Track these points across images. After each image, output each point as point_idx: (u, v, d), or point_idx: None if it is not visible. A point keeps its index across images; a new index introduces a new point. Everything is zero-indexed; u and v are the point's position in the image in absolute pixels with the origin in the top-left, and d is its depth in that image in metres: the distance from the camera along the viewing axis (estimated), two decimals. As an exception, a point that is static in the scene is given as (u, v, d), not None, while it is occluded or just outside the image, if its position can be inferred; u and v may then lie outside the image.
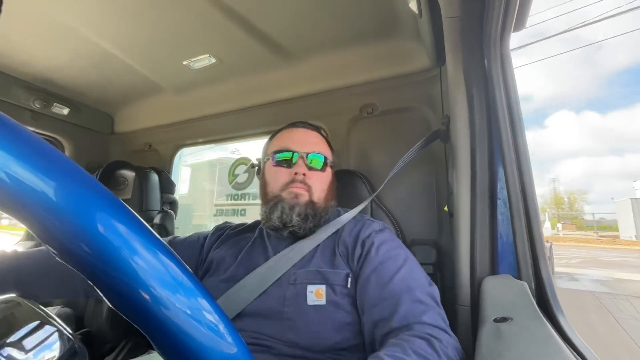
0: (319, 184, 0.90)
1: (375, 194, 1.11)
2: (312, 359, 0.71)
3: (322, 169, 0.92)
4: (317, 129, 1.00)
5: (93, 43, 1.30)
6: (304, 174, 0.88)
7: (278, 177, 0.90)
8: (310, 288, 0.77)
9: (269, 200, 0.90)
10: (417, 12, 0.95)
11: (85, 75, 1.58)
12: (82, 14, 1.15)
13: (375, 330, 0.68)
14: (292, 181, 0.88)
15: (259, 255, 0.90)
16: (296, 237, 0.89)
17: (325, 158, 0.93)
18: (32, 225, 0.24)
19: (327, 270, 0.79)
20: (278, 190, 0.89)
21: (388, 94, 1.34)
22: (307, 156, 0.90)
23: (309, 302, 0.75)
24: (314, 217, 0.87)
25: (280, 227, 0.86)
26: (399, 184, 1.26)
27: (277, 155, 0.91)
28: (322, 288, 0.76)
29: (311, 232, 0.87)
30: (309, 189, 0.88)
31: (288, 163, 0.90)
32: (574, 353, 0.48)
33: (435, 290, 0.74)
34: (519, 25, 0.73)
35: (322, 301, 0.75)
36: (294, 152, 0.90)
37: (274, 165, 0.92)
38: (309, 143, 0.93)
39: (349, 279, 0.77)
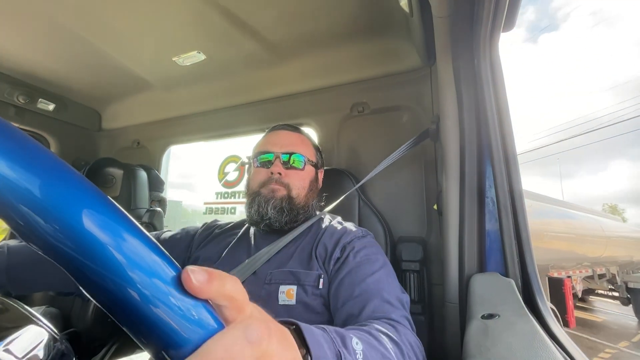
0: (297, 182, 0.93)
1: (357, 186, 1.12)
2: None
3: (301, 168, 0.95)
4: (298, 130, 1.03)
5: (80, 37, 1.27)
6: (279, 173, 0.91)
7: (258, 177, 0.95)
8: (282, 288, 0.78)
9: (249, 197, 0.95)
10: (408, 11, 0.95)
11: (72, 71, 1.54)
12: (68, 7, 1.13)
13: (344, 325, 0.69)
14: (269, 180, 0.92)
15: (242, 252, 0.91)
16: (277, 232, 0.91)
17: (305, 157, 0.96)
18: (14, 223, 0.23)
19: (300, 270, 0.81)
20: (257, 187, 0.93)
21: (379, 93, 1.35)
22: (282, 156, 0.93)
23: (280, 302, 0.77)
24: (290, 211, 0.90)
25: (259, 221, 0.90)
26: (388, 183, 1.26)
27: (259, 157, 0.96)
28: (293, 288, 0.78)
29: (288, 226, 0.90)
30: (286, 186, 0.92)
31: (267, 164, 0.94)
32: (559, 348, 0.49)
33: (406, 298, 0.76)
34: (508, 25, 0.74)
35: (292, 301, 0.76)
36: (272, 153, 0.94)
37: (256, 167, 0.97)
38: (287, 144, 0.96)
39: (321, 280, 0.78)
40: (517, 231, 0.77)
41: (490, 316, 0.58)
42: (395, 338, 0.57)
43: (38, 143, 0.25)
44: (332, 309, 0.74)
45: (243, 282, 0.81)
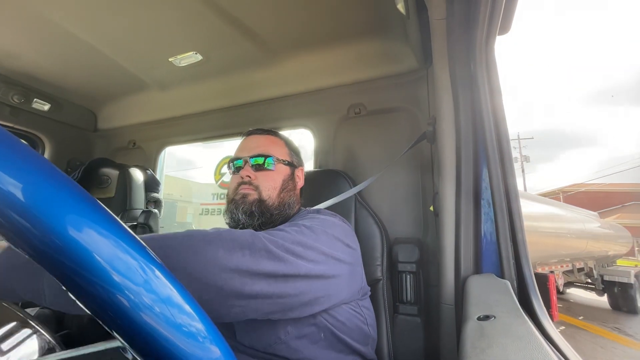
0: (268, 183, 0.95)
1: (355, 191, 1.12)
2: (257, 356, 0.74)
3: (271, 168, 0.97)
4: (270, 132, 1.06)
5: (75, 37, 1.27)
6: (248, 176, 0.94)
7: (231, 183, 0.98)
8: None
9: (226, 205, 0.98)
10: (404, 14, 0.96)
11: (68, 70, 1.54)
12: (64, 7, 1.12)
13: None
14: (240, 184, 0.95)
15: None
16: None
17: (274, 157, 0.97)
18: (1, 227, 0.23)
19: None
20: (232, 194, 0.96)
21: (376, 94, 1.35)
22: (250, 159, 0.96)
23: None
24: (262, 214, 0.91)
25: (235, 227, 0.92)
26: (384, 184, 1.26)
27: (232, 164, 0.99)
28: None
29: (264, 228, 0.89)
30: (256, 188, 0.94)
31: (239, 169, 0.97)
32: (554, 350, 0.49)
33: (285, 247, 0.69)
34: (504, 29, 0.75)
35: None
36: (241, 158, 0.98)
37: (231, 174, 1.00)
38: (255, 147, 0.99)
39: None
40: (513, 233, 0.77)
41: (486, 317, 0.58)
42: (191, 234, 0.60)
43: (23, 143, 0.25)
44: None
45: None
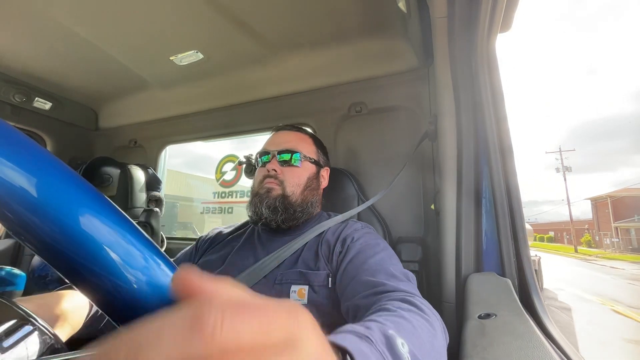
0: (293, 179, 0.94)
1: (368, 204, 1.08)
2: None
3: (297, 165, 0.96)
4: (299, 129, 1.05)
5: (77, 35, 1.27)
6: (274, 170, 0.94)
7: (257, 176, 0.98)
8: (294, 288, 0.78)
9: (250, 197, 0.97)
10: (405, 12, 0.96)
11: (69, 69, 1.54)
12: (65, 5, 1.12)
13: (352, 301, 0.67)
14: (266, 177, 0.94)
15: (248, 254, 0.91)
16: (280, 231, 0.93)
17: (301, 153, 0.96)
18: (9, 222, 0.23)
19: (309, 271, 0.81)
20: (257, 187, 0.96)
21: (377, 93, 1.35)
22: (277, 153, 0.96)
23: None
24: (285, 210, 0.90)
25: (257, 220, 0.93)
26: (386, 183, 1.26)
27: (260, 158, 0.99)
28: (304, 288, 0.78)
29: (285, 225, 0.90)
30: (281, 183, 0.93)
31: (266, 163, 0.97)
32: (555, 348, 0.49)
33: (411, 274, 0.73)
34: (505, 26, 0.75)
35: (304, 300, 0.76)
36: (269, 152, 0.97)
37: (258, 167, 1.00)
38: (283, 142, 0.99)
39: (330, 279, 0.78)
40: (514, 231, 0.77)
41: (487, 316, 0.58)
42: (427, 318, 0.54)
43: (35, 142, 0.25)
44: (339, 294, 0.73)
45: (253, 285, 0.81)
